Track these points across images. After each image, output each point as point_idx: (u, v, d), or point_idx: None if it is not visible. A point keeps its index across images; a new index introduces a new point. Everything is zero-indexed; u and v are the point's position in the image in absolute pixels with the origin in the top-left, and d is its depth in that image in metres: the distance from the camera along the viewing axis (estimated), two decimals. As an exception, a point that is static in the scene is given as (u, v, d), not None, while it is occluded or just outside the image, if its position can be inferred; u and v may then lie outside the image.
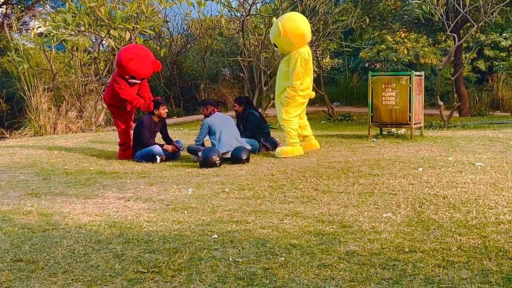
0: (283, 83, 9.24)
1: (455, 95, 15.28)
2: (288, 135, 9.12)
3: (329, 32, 16.59)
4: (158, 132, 9.42)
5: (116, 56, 9.72)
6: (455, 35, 14.29)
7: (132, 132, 9.53)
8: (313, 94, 9.56)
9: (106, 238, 4.75)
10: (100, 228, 5.05)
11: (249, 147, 8.96)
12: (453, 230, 4.61)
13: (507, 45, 20.59)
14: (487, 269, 3.77)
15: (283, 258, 4.11)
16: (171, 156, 9.24)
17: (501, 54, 20.97)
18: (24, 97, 14.61)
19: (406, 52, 21.30)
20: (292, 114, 9.18)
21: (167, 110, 9.36)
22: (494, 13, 13.65)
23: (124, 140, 9.54)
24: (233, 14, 17.60)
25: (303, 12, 15.70)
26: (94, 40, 15.76)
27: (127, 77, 9.17)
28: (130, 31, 14.08)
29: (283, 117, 9.18)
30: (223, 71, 22.18)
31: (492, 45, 20.91)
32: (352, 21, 16.04)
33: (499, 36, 19.52)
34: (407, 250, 4.19)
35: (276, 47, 9.33)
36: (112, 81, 9.38)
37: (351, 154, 8.83)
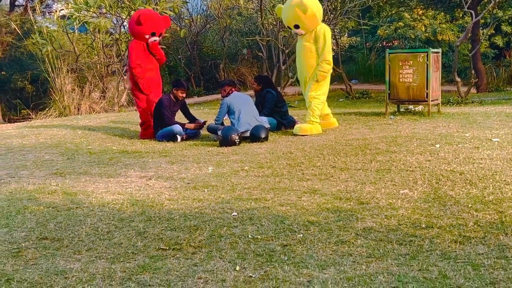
0: (312, 61, 9.15)
1: (473, 71, 15.07)
2: (311, 112, 9.06)
3: (347, 10, 16.41)
4: (179, 111, 9.44)
5: (129, 25, 9.84)
6: (473, 12, 14.07)
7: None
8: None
9: (128, 216, 4.79)
10: (123, 207, 5.08)
11: (268, 126, 8.94)
12: (469, 205, 4.57)
13: (525, 21, 20.24)
14: (504, 244, 3.74)
15: (301, 235, 4.11)
16: (192, 135, 9.25)
17: (519, 30, 20.62)
18: (49, 78, 14.70)
19: (423, 29, 21.02)
20: (321, 91, 9.18)
21: (184, 95, 9.36)
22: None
23: (145, 119, 9.57)
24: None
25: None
26: (115, 22, 15.75)
27: (147, 36, 9.36)
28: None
29: (313, 94, 9.10)
30: (242, 50, 22.05)
31: (510, 20, 20.54)
32: (369, -1, 15.84)
33: (517, 12, 19.17)
34: (423, 226, 4.16)
35: (297, 28, 9.17)
36: (128, 57, 9.60)
37: (369, 131, 8.77)
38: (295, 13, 8.99)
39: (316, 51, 9.08)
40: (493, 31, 20.47)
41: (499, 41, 20.92)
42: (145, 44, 9.44)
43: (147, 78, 9.43)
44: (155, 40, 9.46)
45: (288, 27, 9.39)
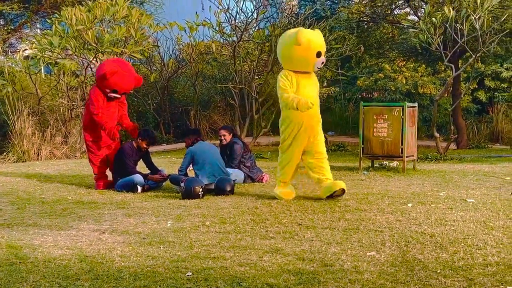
0: None
1: (453, 127, 15.30)
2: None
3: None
4: (140, 160, 9.39)
5: (97, 69, 9.65)
6: (453, 66, 14.36)
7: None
8: None
9: (74, 273, 4.67)
10: (70, 263, 4.96)
11: (234, 178, 8.91)
12: (438, 271, 4.55)
13: (508, 76, 20.71)
14: (470, 314, 3.71)
15: (257, 299, 4.04)
16: (154, 185, 9.19)
17: (502, 85, 21.09)
18: (8, 121, 14.57)
19: (404, 81, 21.38)
20: None
21: (147, 148, 9.30)
22: (493, 44, 13.73)
23: (100, 169, 9.44)
24: (225, 39, 17.66)
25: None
26: (81, 64, 15.78)
27: (107, 91, 9.16)
28: (118, 55, 14.10)
29: None
30: (215, 97, 22.17)
31: (493, 75, 21.02)
32: (347, 49, 16.12)
33: (500, 67, 19.62)
34: (388, 292, 4.12)
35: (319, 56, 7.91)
36: (89, 103, 9.34)
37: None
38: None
39: None
40: (476, 86, 20.91)
41: (482, 96, 21.35)
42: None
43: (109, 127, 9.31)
44: (114, 97, 9.31)
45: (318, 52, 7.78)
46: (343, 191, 7.80)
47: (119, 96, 9.30)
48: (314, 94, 7.93)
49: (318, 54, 7.70)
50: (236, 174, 9.30)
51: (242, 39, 16.36)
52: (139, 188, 8.84)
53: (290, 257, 5.07)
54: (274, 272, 4.63)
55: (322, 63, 7.87)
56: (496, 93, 21.29)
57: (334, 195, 7.78)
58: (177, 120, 21.32)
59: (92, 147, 9.40)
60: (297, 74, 7.78)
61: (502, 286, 4.13)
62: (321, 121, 8.11)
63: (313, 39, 7.73)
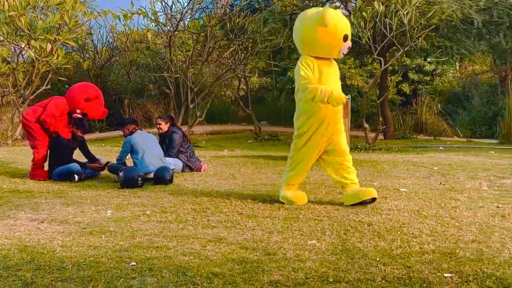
0: None
1: (380, 118, 15.59)
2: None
3: (258, 51, 16.66)
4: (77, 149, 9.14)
5: (77, 87, 9.27)
6: (381, 59, 14.61)
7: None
8: None
9: (15, 264, 4.48)
10: (10, 253, 4.76)
11: (173, 167, 8.79)
12: (377, 259, 4.59)
13: (431, 69, 21.27)
14: (412, 301, 3.76)
15: (204, 289, 3.98)
16: (91, 174, 8.96)
17: (425, 78, 21.65)
18: None
19: (333, 73, 21.63)
20: None
21: (82, 136, 9.07)
22: (420, 38, 14.02)
23: (43, 158, 9.11)
24: (160, 28, 17.40)
25: (231, 30, 15.76)
26: (13, 50, 15.20)
27: (78, 111, 8.88)
28: (52, 42, 13.68)
29: None
30: (149, 86, 21.84)
31: (417, 68, 21.54)
32: (281, 41, 16.16)
33: (424, 61, 20.12)
34: (331, 280, 4.13)
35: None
36: (45, 111, 8.97)
37: (278, 176, 8.78)
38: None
39: None
40: (401, 78, 21.37)
41: (406, 88, 21.85)
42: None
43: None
44: (76, 118, 9.04)
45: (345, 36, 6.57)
46: (373, 199, 6.68)
47: (79, 115, 9.05)
48: (338, 83, 6.83)
49: (345, 38, 6.49)
50: (175, 163, 9.18)
51: (177, 29, 16.15)
52: (76, 177, 8.59)
53: (233, 246, 5.02)
54: (218, 261, 4.57)
55: (349, 48, 6.64)
56: (419, 85, 21.83)
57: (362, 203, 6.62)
58: (111, 108, 20.82)
59: (38, 134, 9.01)
60: (319, 60, 6.57)
61: (439, 273, 4.20)
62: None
63: (340, 20, 6.53)
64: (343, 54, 6.68)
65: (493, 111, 18.86)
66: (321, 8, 6.54)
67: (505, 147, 14.25)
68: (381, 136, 16.24)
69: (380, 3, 13.03)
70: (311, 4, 18.21)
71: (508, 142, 15.66)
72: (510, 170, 9.32)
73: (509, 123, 16.09)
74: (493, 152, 12.87)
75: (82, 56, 20.19)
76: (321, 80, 6.51)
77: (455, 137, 18.52)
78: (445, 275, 4.15)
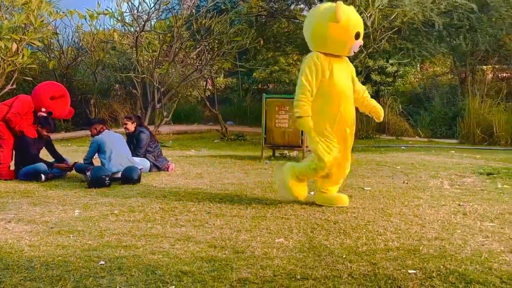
0: None
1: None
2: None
3: (224, 51, 16.67)
4: (43, 148, 9.04)
5: (42, 86, 9.16)
6: (346, 60, 14.71)
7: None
8: None
9: (-18, 264, 4.43)
10: (-23, 254, 4.71)
11: (140, 167, 8.75)
12: (344, 256, 4.65)
13: (393, 71, 21.51)
14: (377, 296, 3.82)
15: (173, 287, 3.98)
16: (58, 174, 8.87)
17: (387, 79, 21.86)
18: None
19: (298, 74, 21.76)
20: None
21: (48, 135, 8.99)
22: (383, 40, 14.19)
23: (8, 158, 8.97)
24: (126, 29, 17.28)
25: (198, 31, 15.74)
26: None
27: (43, 109, 8.77)
28: (17, 42, 13.47)
29: None
30: (115, 86, 21.66)
31: (379, 70, 21.76)
32: (247, 42, 16.20)
33: (386, 63, 20.34)
34: (299, 277, 4.17)
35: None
36: (10, 109, 8.83)
37: (244, 175, 8.83)
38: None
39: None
40: (364, 80, 21.57)
41: (369, 89, 21.95)
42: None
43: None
44: (41, 116, 8.94)
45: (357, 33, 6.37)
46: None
47: (44, 113, 8.93)
48: (349, 81, 6.59)
49: (357, 36, 6.31)
50: (143, 163, 9.14)
51: (144, 30, 16.07)
52: (43, 177, 8.50)
53: (202, 244, 5.03)
54: (187, 260, 4.58)
55: (360, 46, 6.53)
56: (382, 86, 22.06)
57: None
58: (77, 108, 20.59)
59: (3, 133, 8.86)
60: (330, 57, 6.37)
61: (404, 270, 4.27)
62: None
63: (353, 16, 6.35)
64: (354, 52, 6.53)
65: (453, 111, 19.15)
66: (333, 4, 6.25)
67: (465, 147, 14.53)
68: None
69: (345, 6, 13.11)
70: (276, 6, 18.32)
71: (467, 142, 15.98)
72: (470, 169, 9.52)
73: (469, 124, 16.41)
74: (453, 151, 13.11)
75: (48, 56, 19.91)
76: (332, 77, 6.34)
77: (417, 137, 18.78)
78: (409, 271, 4.23)
